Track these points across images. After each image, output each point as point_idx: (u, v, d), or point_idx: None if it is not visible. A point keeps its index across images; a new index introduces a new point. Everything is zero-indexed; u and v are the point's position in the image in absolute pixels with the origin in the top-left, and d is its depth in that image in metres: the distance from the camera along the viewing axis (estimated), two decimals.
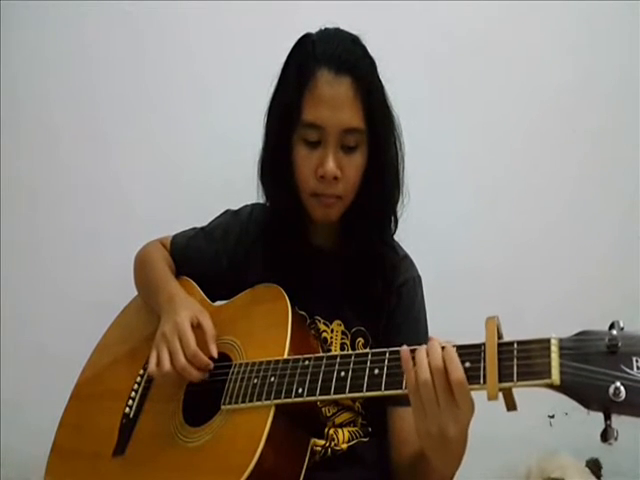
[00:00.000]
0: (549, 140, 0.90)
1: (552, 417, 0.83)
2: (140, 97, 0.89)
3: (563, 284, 0.88)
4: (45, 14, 0.87)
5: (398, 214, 0.55)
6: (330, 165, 0.50)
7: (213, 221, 0.64)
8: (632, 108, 0.88)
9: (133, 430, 0.55)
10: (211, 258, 0.60)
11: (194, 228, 0.65)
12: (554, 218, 0.89)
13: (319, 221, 0.55)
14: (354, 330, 0.55)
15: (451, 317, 0.74)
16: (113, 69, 0.88)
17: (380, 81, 0.53)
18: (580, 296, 0.88)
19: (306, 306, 0.54)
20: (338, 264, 0.55)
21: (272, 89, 0.54)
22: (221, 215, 0.64)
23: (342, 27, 0.53)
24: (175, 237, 0.65)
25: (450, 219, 0.84)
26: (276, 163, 0.53)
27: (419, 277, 0.58)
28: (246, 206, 0.63)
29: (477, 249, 0.87)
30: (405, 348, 0.39)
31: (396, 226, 0.56)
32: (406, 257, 0.58)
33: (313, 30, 0.53)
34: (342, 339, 0.54)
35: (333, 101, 0.49)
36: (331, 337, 0.54)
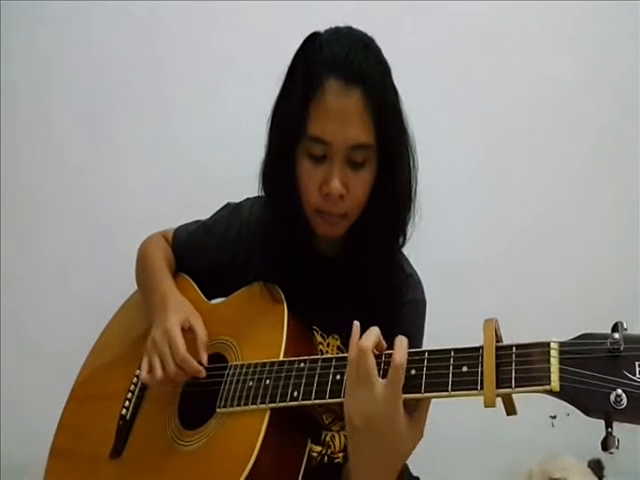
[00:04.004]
0: (550, 139, 0.90)
1: (554, 418, 0.82)
2: (141, 98, 0.89)
3: (563, 282, 0.88)
4: (46, 14, 0.87)
5: (408, 232, 0.52)
6: (335, 184, 0.46)
7: (214, 215, 0.63)
8: (633, 108, 0.87)
9: (130, 432, 0.54)
10: (212, 254, 0.59)
11: (196, 221, 0.64)
12: (555, 217, 0.90)
13: (323, 236, 0.52)
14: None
15: (451, 312, 0.74)
16: (115, 70, 0.88)
17: (395, 91, 0.49)
18: (581, 293, 0.88)
19: (306, 314, 0.53)
20: (342, 273, 0.53)
21: (276, 91, 0.50)
22: (222, 209, 0.62)
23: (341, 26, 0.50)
24: (177, 230, 0.65)
25: (450, 217, 0.83)
26: (279, 175, 0.50)
27: (423, 300, 0.55)
28: (248, 200, 0.60)
29: (478, 247, 0.87)
30: (357, 324, 0.39)
31: (404, 242, 0.53)
32: (411, 276, 0.55)
33: (314, 29, 0.50)
34: (337, 354, 0.52)
35: (341, 115, 0.45)
36: (326, 351, 0.53)
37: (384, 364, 0.38)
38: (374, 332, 0.39)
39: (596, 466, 0.81)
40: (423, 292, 0.56)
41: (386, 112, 0.47)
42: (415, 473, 0.58)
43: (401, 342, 0.37)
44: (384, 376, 0.37)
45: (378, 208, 0.50)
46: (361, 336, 0.39)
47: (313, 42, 0.49)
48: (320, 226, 0.51)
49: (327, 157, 0.47)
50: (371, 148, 0.47)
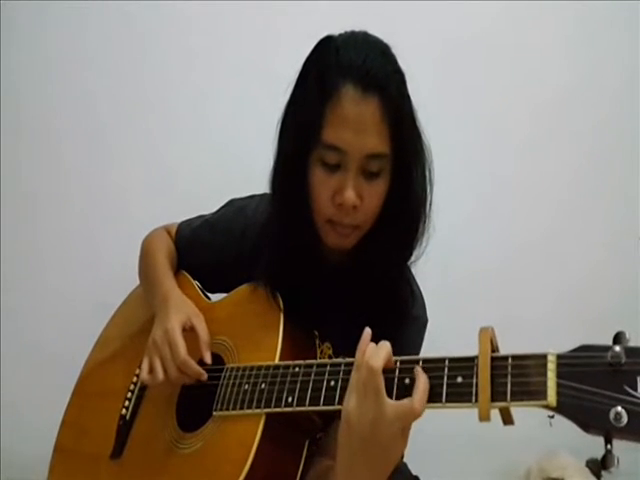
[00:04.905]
0: (549, 142, 0.87)
1: (552, 417, 0.82)
2: (139, 99, 0.88)
3: (563, 286, 0.87)
4: (45, 14, 0.85)
5: (422, 246, 0.50)
6: (350, 193, 0.45)
7: (218, 212, 0.62)
8: (632, 109, 0.85)
9: (130, 432, 0.55)
10: (214, 252, 0.59)
11: (200, 216, 0.63)
12: (554, 221, 0.88)
13: (332, 247, 0.50)
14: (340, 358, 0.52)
15: (451, 321, 0.73)
16: (113, 70, 0.87)
17: (410, 100, 0.47)
18: (580, 299, 0.87)
19: (307, 318, 0.52)
20: (347, 282, 0.51)
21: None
22: (226, 206, 0.61)
23: (341, 28, 0.48)
24: (181, 225, 0.64)
25: (450, 223, 0.82)
26: (290, 183, 0.48)
27: (424, 318, 0.54)
28: (253, 198, 0.59)
29: (478, 252, 0.86)
30: (369, 331, 0.39)
31: (411, 255, 0.51)
32: (414, 292, 0.54)
33: (309, 32, 0.47)
34: (331, 360, 0.50)
35: (358, 123, 0.44)
36: (319, 358, 0.52)
37: (396, 381, 0.37)
38: (385, 348, 0.37)
39: (594, 465, 0.81)
40: (425, 310, 0.55)
41: (403, 122, 0.45)
42: (414, 472, 0.58)
43: (424, 389, 0.35)
44: (390, 393, 0.36)
45: (390, 220, 0.48)
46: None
47: (328, 46, 0.47)
48: (330, 236, 0.49)
49: (341, 166, 0.46)
50: (386, 158, 0.46)
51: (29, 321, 0.88)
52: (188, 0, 0.86)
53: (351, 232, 0.49)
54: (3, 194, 0.89)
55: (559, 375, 0.31)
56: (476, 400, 0.33)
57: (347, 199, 0.45)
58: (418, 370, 0.36)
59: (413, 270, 0.55)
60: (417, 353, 0.54)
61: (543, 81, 0.86)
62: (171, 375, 0.49)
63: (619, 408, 0.28)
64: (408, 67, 0.47)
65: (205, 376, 0.49)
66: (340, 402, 0.40)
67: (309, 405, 0.42)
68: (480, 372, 0.34)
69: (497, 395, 0.33)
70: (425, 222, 0.50)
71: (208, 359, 0.50)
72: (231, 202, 0.62)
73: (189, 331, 0.51)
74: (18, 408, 0.84)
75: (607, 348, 0.30)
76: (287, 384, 0.44)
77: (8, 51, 0.86)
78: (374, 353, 0.37)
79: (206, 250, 0.60)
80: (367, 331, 0.39)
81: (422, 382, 0.36)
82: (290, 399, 0.43)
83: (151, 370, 0.50)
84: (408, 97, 0.47)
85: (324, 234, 0.50)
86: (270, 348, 0.47)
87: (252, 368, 0.47)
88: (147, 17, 0.86)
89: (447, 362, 0.36)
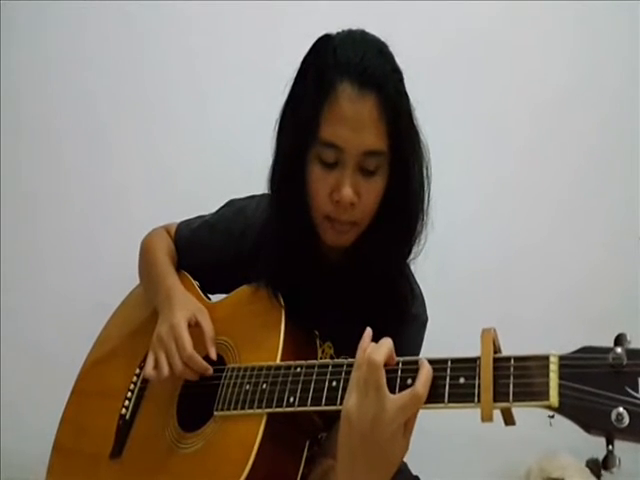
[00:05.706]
0: (549, 142, 0.88)
1: (552, 417, 0.82)
2: (139, 99, 0.88)
3: (563, 286, 0.87)
4: (45, 14, 0.86)
5: (420, 244, 0.50)
6: (347, 190, 0.45)
7: (218, 212, 0.62)
8: (631, 109, 0.86)
9: (129, 432, 0.55)
10: (213, 252, 0.59)
11: (199, 217, 0.64)
12: (554, 221, 0.88)
13: (330, 244, 0.51)
14: (342, 358, 0.52)
15: (451, 321, 0.73)
16: (113, 70, 0.88)
17: (407, 98, 0.47)
18: (580, 299, 0.87)
19: (307, 318, 0.52)
20: (346, 280, 0.52)
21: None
22: (226, 206, 0.62)
23: (341, 28, 0.48)
24: (180, 225, 0.64)
25: (450, 222, 0.83)
26: (288, 180, 0.48)
27: (424, 317, 0.55)
28: (252, 198, 0.60)
29: (478, 252, 0.86)
30: (370, 330, 0.39)
31: (410, 252, 0.51)
32: (413, 290, 0.54)
33: (309, 32, 0.48)
34: (333, 361, 0.49)
35: (355, 121, 0.44)
36: (320, 357, 0.52)
37: (398, 381, 0.37)
38: (387, 344, 0.37)
39: (594, 465, 0.82)
40: (425, 309, 0.55)
41: (400, 119, 0.46)
42: (414, 472, 0.58)
43: (427, 374, 0.36)
44: (392, 388, 0.36)
45: (388, 217, 0.49)
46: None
47: (326, 44, 0.47)
48: (328, 234, 0.49)
49: (339, 163, 0.46)
50: (384, 155, 0.46)
51: (29, 321, 0.88)
52: (188, 0, 0.86)
53: (349, 229, 0.49)
54: (3, 194, 0.89)
55: (561, 376, 0.31)
56: (478, 401, 0.34)
57: (344, 196, 0.46)
58: (423, 360, 0.37)
59: (413, 270, 0.55)
60: (417, 352, 0.54)
61: (543, 81, 0.86)
62: (177, 370, 0.49)
63: (621, 409, 0.28)
64: (407, 66, 0.48)
65: (211, 370, 0.49)
66: (342, 402, 0.40)
67: (311, 405, 0.42)
68: (482, 373, 0.34)
69: (499, 396, 0.33)
70: (423, 219, 0.50)
71: (213, 354, 0.50)
72: (231, 202, 0.62)
73: (194, 327, 0.51)
74: (18, 408, 0.85)
75: (608, 350, 0.31)
76: (289, 384, 0.44)
77: (8, 51, 0.87)
78: (375, 349, 0.37)
79: (205, 250, 0.60)
80: (368, 330, 0.39)
81: (425, 370, 0.36)
82: (292, 399, 0.43)
83: (156, 365, 0.50)
84: (406, 95, 0.48)
85: (322, 231, 0.50)
86: (271, 348, 0.48)
87: (253, 368, 0.47)
88: (147, 17, 0.87)
89: (449, 363, 0.36)
